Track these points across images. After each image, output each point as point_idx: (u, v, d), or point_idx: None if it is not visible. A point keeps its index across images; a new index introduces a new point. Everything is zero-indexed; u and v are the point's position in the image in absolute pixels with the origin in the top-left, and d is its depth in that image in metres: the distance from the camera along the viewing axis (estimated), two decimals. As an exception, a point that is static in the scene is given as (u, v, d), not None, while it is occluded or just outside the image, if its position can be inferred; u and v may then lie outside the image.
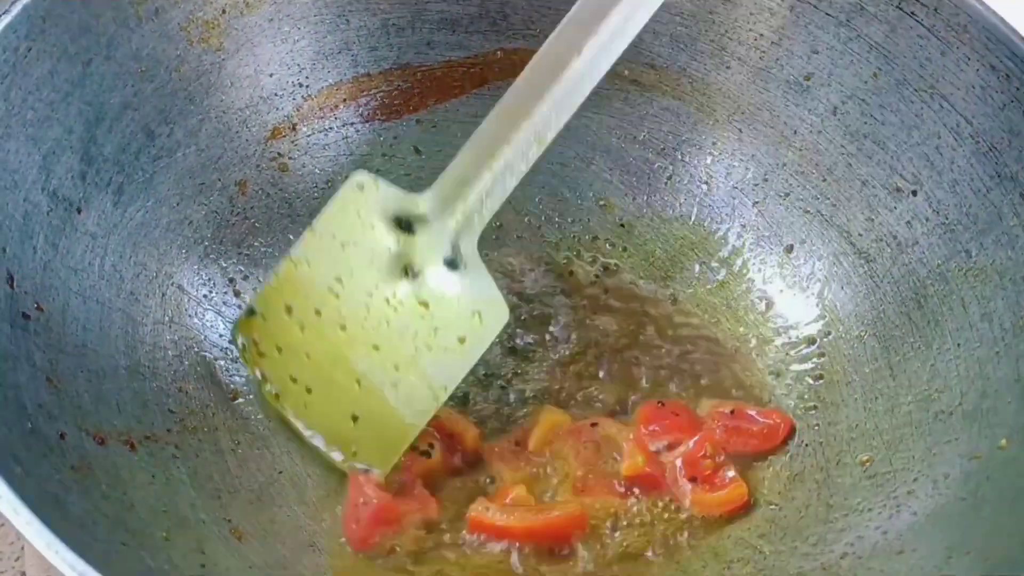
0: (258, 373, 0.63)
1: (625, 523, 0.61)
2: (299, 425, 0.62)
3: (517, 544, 0.60)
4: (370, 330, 0.61)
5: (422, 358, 0.61)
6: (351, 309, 0.61)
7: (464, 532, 0.60)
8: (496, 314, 0.62)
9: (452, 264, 0.62)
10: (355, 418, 0.62)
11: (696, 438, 0.63)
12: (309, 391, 0.62)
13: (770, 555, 0.59)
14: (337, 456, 0.62)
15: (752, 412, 0.65)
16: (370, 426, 0.61)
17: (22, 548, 0.65)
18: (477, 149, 0.61)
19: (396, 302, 0.61)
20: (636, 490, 0.62)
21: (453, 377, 0.61)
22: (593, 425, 0.64)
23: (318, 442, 0.62)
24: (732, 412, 0.64)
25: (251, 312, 0.63)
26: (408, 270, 0.62)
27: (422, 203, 0.62)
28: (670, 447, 0.63)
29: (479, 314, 0.62)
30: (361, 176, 0.62)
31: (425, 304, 0.62)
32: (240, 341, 0.63)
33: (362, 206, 0.62)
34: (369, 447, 0.61)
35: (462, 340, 0.61)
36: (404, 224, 0.62)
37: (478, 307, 0.62)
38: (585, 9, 0.58)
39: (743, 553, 0.60)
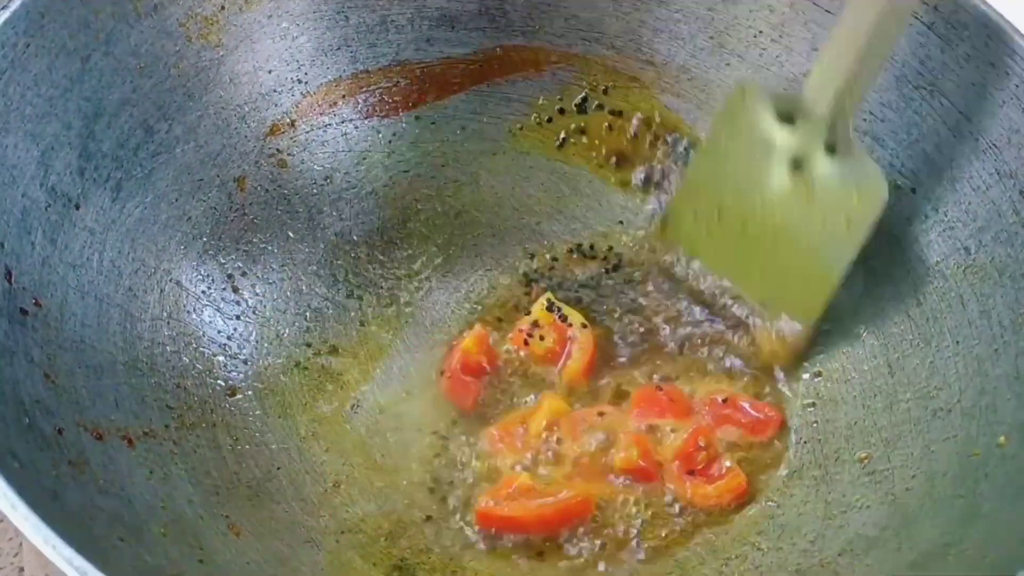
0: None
1: (621, 517, 0.61)
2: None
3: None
4: (767, 222, 0.67)
5: (815, 243, 0.66)
6: (749, 204, 0.67)
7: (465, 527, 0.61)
8: (877, 192, 0.64)
9: (832, 149, 0.65)
10: (763, 304, 0.68)
11: (689, 431, 0.63)
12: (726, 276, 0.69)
13: (768, 552, 0.59)
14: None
15: (745, 403, 0.65)
16: (779, 306, 0.67)
17: (20, 544, 0.65)
18: (842, 35, 0.63)
19: (788, 192, 0.66)
20: (631, 483, 0.62)
21: (844, 257, 0.65)
22: (600, 415, 0.64)
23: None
24: (725, 401, 0.65)
25: (664, 221, 0.71)
26: (794, 162, 0.66)
27: (799, 96, 0.65)
28: (663, 435, 0.64)
29: (861, 194, 0.64)
30: (742, 83, 0.67)
31: (812, 191, 0.65)
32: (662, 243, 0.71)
33: (747, 107, 0.67)
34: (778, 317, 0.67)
35: (849, 221, 0.64)
36: (785, 118, 0.66)
37: (860, 188, 0.64)
38: None
39: (740, 550, 0.60)
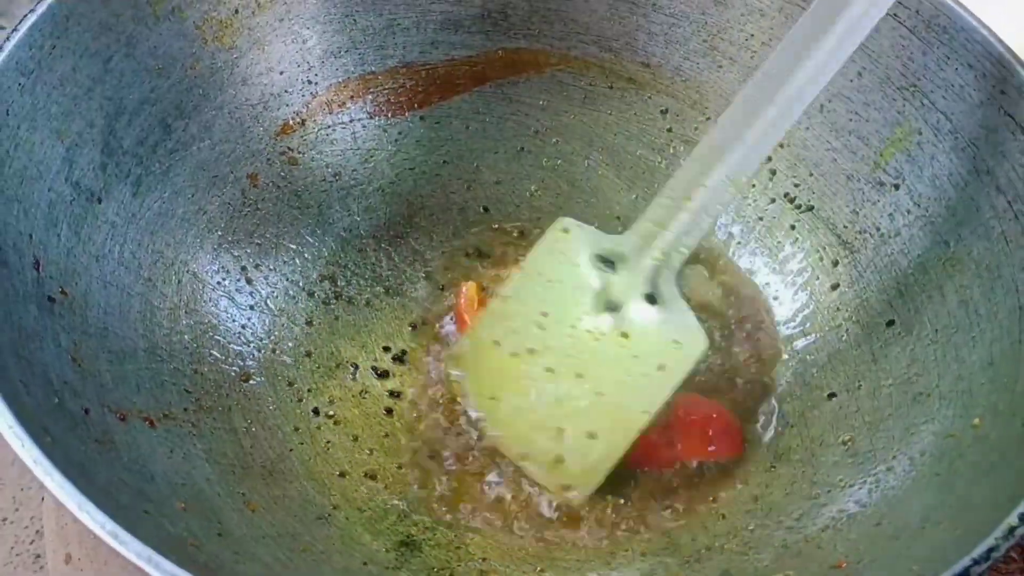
0: (467, 401, 0.66)
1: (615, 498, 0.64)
2: (508, 449, 0.64)
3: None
4: (574, 359, 0.64)
5: (623, 385, 0.64)
6: (556, 340, 0.64)
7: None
8: (694, 342, 0.64)
9: (651, 299, 0.65)
10: (558, 442, 0.63)
11: None
12: (515, 416, 0.64)
13: (755, 528, 0.61)
14: (541, 478, 0.64)
15: None
16: (572, 449, 0.63)
17: (36, 532, 0.67)
18: (674, 191, 0.63)
19: (598, 334, 0.64)
20: None
21: (653, 401, 0.63)
22: None
23: (527, 465, 0.64)
24: None
25: (462, 347, 0.66)
26: (610, 305, 0.65)
27: (622, 243, 0.65)
28: None
29: (677, 343, 0.64)
30: (566, 221, 0.66)
31: (625, 335, 0.64)
32: (451, 373, 0.67)
33: (567, 247, 0.66)
34: (572, 469, 0.63)
35: (661, 367, 0.63)
36: (606, 262, 0.65)
37: (676, 336, 0.64)
38: (776, 62, 0.61)
39: (730, 527, 0.62)
